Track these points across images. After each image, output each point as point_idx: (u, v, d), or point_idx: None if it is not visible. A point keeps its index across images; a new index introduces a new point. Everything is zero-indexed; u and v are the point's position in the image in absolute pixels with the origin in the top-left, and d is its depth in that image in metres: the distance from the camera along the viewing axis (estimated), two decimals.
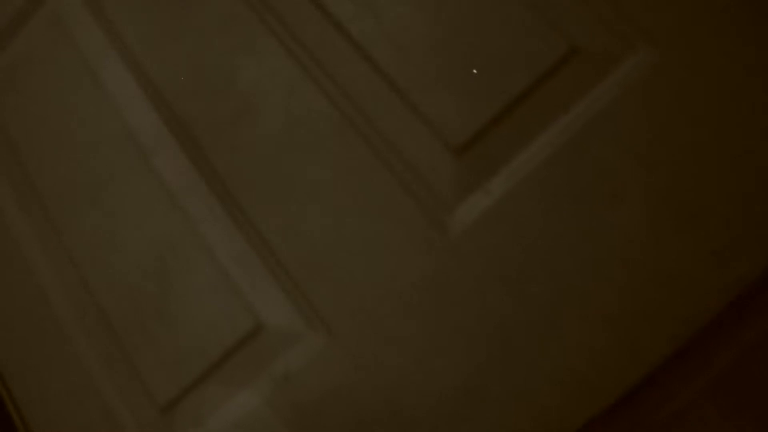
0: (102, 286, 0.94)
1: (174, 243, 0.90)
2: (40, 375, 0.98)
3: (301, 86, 0.87)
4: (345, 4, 0.86)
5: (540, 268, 0.75)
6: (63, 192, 1.00)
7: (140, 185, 0.94)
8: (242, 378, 0.85)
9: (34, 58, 1.08)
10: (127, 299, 0.92)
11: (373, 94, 0.83)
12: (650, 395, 0.74)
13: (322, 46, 0.87)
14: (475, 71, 0.79)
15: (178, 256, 0.90)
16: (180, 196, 0.91)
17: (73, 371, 0.95)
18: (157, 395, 0.88)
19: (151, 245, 0.92)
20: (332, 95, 0.85)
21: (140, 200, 0.94)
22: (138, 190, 0.94)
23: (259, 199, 0.87)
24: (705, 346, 0.73)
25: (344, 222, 0.82)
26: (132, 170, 0.95)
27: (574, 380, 0.72)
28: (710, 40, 0.73)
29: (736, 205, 0.70)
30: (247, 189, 0.88)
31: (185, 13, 0.96)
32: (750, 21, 0.72)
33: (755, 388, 0.71)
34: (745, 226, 0.69)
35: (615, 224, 0.73)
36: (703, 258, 0.70)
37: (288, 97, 0.87)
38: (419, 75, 0.81)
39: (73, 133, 1.01)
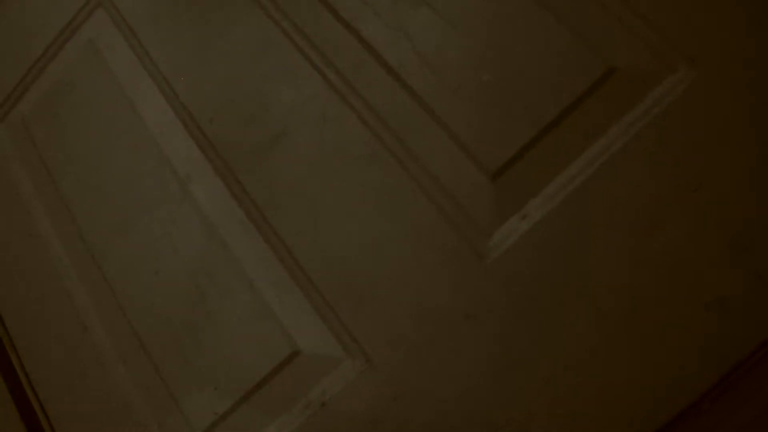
0: (139, 313, 0.95)
1: (211, 269, 0.90)
2: (79, 399, 0.98)
3: (335, 111, 0.87)
4: (379, 29, 0.86)
5: (577, 293, 0.73)
6: (99, 218, 1.01)
7: (176, 212, 0.95)
8: (279, 404, 0.85)
9: (70, 84, 1.09)
10: (164, 325, 0.92)
11: (409, 119, 0.83)
12: None
13: (357, 71, 0.86)
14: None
15: (215, 282, 0.90)
16: (216, 222, 0.92)
17: (110, 396, 0.96)
18: (194, 421, 0.88)
19: (188, 271, 0.92)
20: (367, 120, 0.85)
21: (177, 227, 0.94)
22: (174, 217, 0.95)
23: (295, 225, 0.87)
24: None
25: (381, 248, 0.82)
26: (168, 197, 0.96)
27: (620, 404, 0.71)
28: (749, 59, 0.71)
29: None
30: (283, 215, 0.88)
31: (219, 39, 0.96)
32: None
33: None
34: None
35: (656, 249, 0.71)
36: (751, 286, 0.68)
37: (323, 122, 0.87)
38: (455, 99, 0.81)
39: (109, 158, 1.02)
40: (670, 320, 0.70)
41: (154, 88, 1.01)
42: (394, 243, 0.81)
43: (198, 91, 0.97)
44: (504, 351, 0.76)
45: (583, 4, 0.78)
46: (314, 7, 0.91)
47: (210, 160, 0.94)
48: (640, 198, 0.73)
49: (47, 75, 1.13)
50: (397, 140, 0.83)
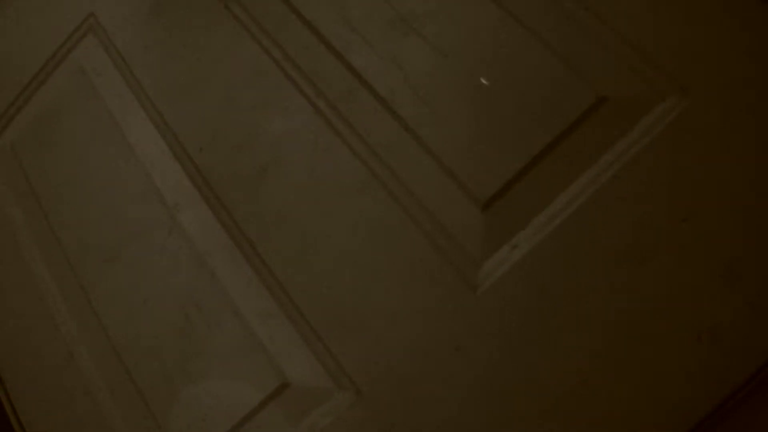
0: (126, 343, 0.94)
1: (199, 299, 0.90)
2: (65, 429, 0.97)
3: (326, 141, 0.86)
4: (370, 59, 0.86)
5: (569, 324, 0.73)
6: (87, 245, 1.01)
7: (164, 240, 0.94)
8: None
9: (59, 110, 1.09)
10: (152, 355, 0.91)
11: (399, 149, 0.83)
12: None
13: (348, 100, 0.86)
14: (484, 81, 0.78)
15: (204, 312, 0.89)
16: (205, 252, 0.91)
17: (97, 426, 0.95)
18: None
19: (176, 302, 0.91)
20: (357, 150, 0.85)
21: (165, 256, 0.94)
22: (162, 246, 0.94)
23: (284, 255, 0.86)
24: None
25: (371, 279, 0.81)
26: (156, 225, 0.95)
27: None
28: (740, 87, 0.72)
29: None
30: (273, 245, 0.87)
31: (210, 67, 0.96)
32: None
33: None
34: None
35: (647, 279, 0.71)
36: (743, 315, 0.67)
37: (313, 151, 0.87)
38: (445, 129, 0.81)
39: (98, 186, 1.02)
40: (662, 351, 0.70)
41: (143, 116, 1.00)
42: (384, 273, 0.81)
43: (188, 119, 0.97)
44: (495, 383, 0.75)
45: (573, 32, 0.78)
46: (305, 36, 0.91)
47: (199, 189, 0.94)
48: (631, 227, 0.72)
49: (36, 101, 1.13)
50: (388, 170, 0.83)
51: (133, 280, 0.95)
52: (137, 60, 1.03)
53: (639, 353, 0.70)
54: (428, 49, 0.83)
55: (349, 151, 0.85)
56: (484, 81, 0.80)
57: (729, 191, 0.70)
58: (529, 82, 0.78)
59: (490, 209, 0.78)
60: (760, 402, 0.69)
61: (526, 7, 0.80)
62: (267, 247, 0.87)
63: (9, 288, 1.07)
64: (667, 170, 0.72)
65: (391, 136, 0.83)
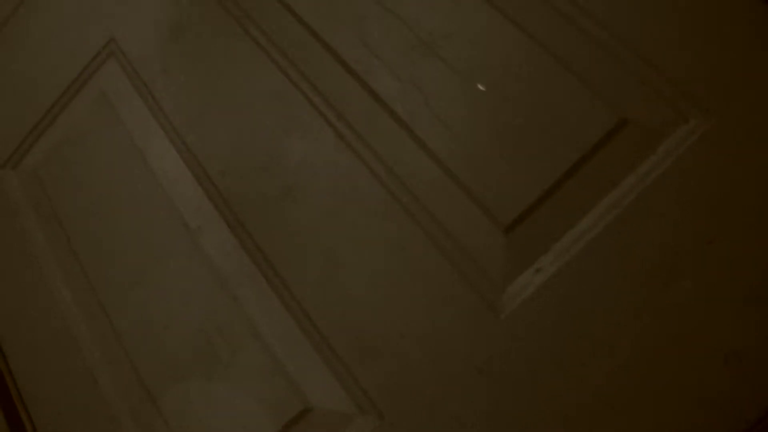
0: (148, 366, 0.94)
1: (221, 323, 0.90)
2: None
3: (346, 164, 0.87)
4: (390, 82, 0.86)
5: (593, 347, 0.72)
6: (110, 270, 1.01)
7: (186, 264, 0.94)
8: None
9: (81, 134, 1.10)
10: (173, 380, 0.91)
11: (421, 172, 0.83)
12: None
13: (368, 124, 0.87)
14: (481, 87, 0.78)
15: (226, 336, 0.89)
16: (226, 276, 0.91)
17: None
18: None
19: (198, 325, 0.91)
20: (378, 173, 0.85)
21: (187, 280, 0.94)
22: (184, 270, 0.94)
23: (306, 279, 0.86)
24: None
25: (393, 302, 0.81)
26: (178, 249, 0.95)
27: None
28: (763, 108, 0.71)
29: None
30: (294, 268, 0.87)
31: (230, 91, 0.97)
32: None
33: None
34: None
35: (671, 302, 0.70)
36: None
37: (334, 175, 0.87)
38: (467, 152, 0.81)
39: (120, 210, 1.02)
40: (688, 374, 0.69)
41: (165, 140, 1.01)
42: (406, 297, 0.81)
43: (209, 144, 0.97)
44: (518, 406, 0.74)
45: (594, 54, 0.78)
46: (325, 59, 0.91)
47: (221, 213, 0.94)
48: (655, 250, 0.72)
49: (58, 125, 1.14)
50: (409, 193, 0.83)
51: (155, 303, 0.95)
52: (158, 84, 1.04)
53: (664, 376, 0.70)
54: (448, 72, 0.83)
55: (370, 174, 0.85)
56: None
57: (754, 213, 0.69)
58: (550, 105, 0.78)
59: (513, 233, 0.77)
60: None
61: (547, 29, 0.80)
62: (288, 271, 0.87)
63: (32, 312, 1.07)
64: (690, 192, 0.72)
65: (412, 160, 0.83)
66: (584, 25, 0.79)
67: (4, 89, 1.23)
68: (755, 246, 0.69)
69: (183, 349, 0.92)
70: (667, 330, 0.70)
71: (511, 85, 0.80)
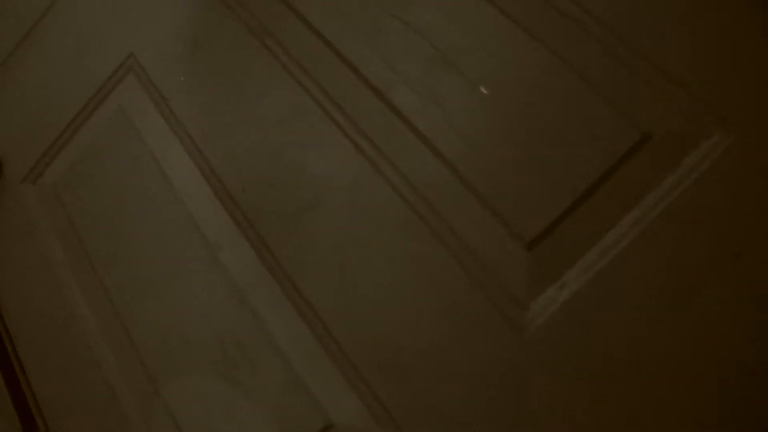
0: (167, 381, 0.94)
1: (240, 338, 0.90)
2: None
3: (367, 180, 0.86)
4: (411, 97, 0.86)
5: (619, 364, 0.71)
6: (129, 284, 1.01)
7: (205, 278, 0.94)
8: None
9: (100, 149, 1.11)
10: (192, 395, 0.91)
11: (441, 187, 0.82)
12: None
13: (389, 139, 0.87)
14: (484, 90, 0.78)
15: (245, 352, 0.89)
16: (246, 291, 0.91)
17: None
18: None
19: (218, 340, 0.91)
20: (399, 188, 0.84)
21: (206, 294, 0.94)
22: (203, 284, 0.94)
23: (326, 294, 0.86)
24: None
25: (414, 318, 0.81)
26: (197, 263, 0.95)
27: None
28: None
29: None
30: (315, 284, 0.87)
31: (250, 106, 0.97)
32: None
33: None
34: None
35: (696, 318, 0.69)
36: None
37: (354, 189, 0.87)
38: (488, 167, 0.80)
39: (139, 225, 1.03)
40: (713, 390, 0.68)
41: (184, 155, 1.01)
42: (428, 313, 0.80)
43: (228, 158, 0.97)
44: (543, 424, 0.74)
45: (616, 69, 0.78)
46: (344, 74, 0.91)
47: (240, 228, 0.94)
48: (680, 265, 0.71)
49: (78, 140, 1.14)
50: (430, 209, 0.82)
51: (174, 317, 0.95)
52: (176, 99, 1.04)
53: (691, 394, 0.69)
54: (468, 87, 0.83)
55: (391, 190, 0.85)
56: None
57: None
58: (572, 119, 0.78)
59: (536, 248, 0.77)
60: None
61: (568, 44, 0.80)
62: (309, 286, 0.87)
63: (50, 324, 1.08)
64: (715, 207, 0.71)
65: (433, 174, 0.83)
66: (605, 39, 0.79)
67: (23, 105, 1.24)
68: None
69: (202, 363, 0.92)
70: (694, 346, 0.69)
71: (532, 99, 0.80)
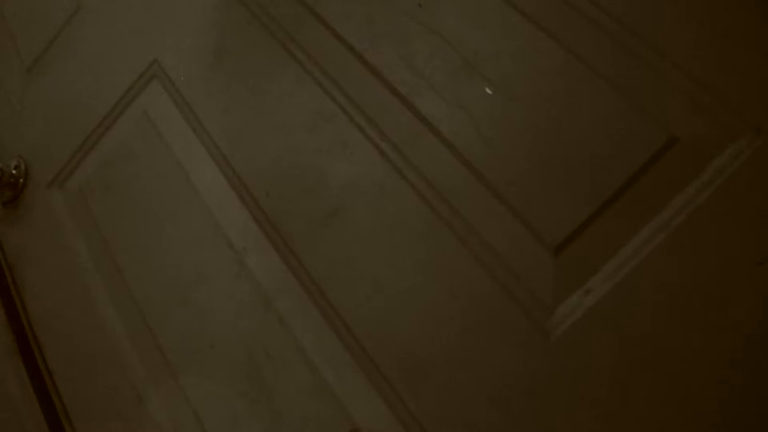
0: (195, 387, 0.94)
1: (267, 344, 0.90)
2: None
3: (392, 185, 0.87)
4: (436, 103, 0.86)
5: (646, 370, 0.71)
6: (155, 288, 1.02)
7: (232, 284, 0.95)
8: None
9: (125, 155, 1.12)
10: (220, 400, 0.92)
11: (467, 193, 0.82)
12: None
13: (413, 145, 0.87)
14: (488, 90, 0.78)
15: (271, 357, 0.89)
16: (273, 296, 0.92)
17: None
18: None
19: (244, 346, 0.92)
20: (424, 194, 0.84)
21: (232, 300, 0.94)
22: (230, 290, 0.95)
23: (352, 300, 0.86)
24: None
25: (440, 324, 0.81)
26: (224, 269, 0.96)
27: None
28: None
29: None
30: (340, 289, 0.87)
31: (274, 111, 0.97)
32: None
33: None
34: None
35: (723, 325, 0.69)
36: None
37: (379, 196, 0.87)
38: (514, 173, 0.80)
39: (165, 230, 1.03)
40: (741, 398, 0.68)
41: (209, 161, 1.02)
42: (454, 319, 0.80)
43: (254, 164, 0.98)
44: (569, 429, 0.73)
45: (641, 73, 0.78)
46: (369, 80, 0.92)
47: (266, 234, 0.95)
48: (705, 271, 0.71)
49: (103, 145, 1.16)
50: (455, 214, 0.83)
51: (201, 323, 0.96)
52: (201, 105, 1.05)
53: (717, 400, 0.68)
54: (495, 94, 0.83)
55: (416, 196, 0.85)
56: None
57: None
58: (598, 124, 0.78)
59: (562, 254, 0.77)
60: None
61: (593, 49, 0.80)
62: (335, 292, 0.88)
63: (77, 329, 1.09)
64: (742, 212, 0.71)
65: (458, 180, 0.83)
66: (631, 43, 0.79)
67: (50, 110, 1.25)
68: None
69: (228, 367, 0.92)
70: (719, 353, 0.69)
71: (558, 104, 0.80)
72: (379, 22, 0.94)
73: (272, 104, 0.98)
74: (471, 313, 0.79)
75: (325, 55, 0.96)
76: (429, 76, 0.87)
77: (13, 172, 1.24)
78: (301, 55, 0.98)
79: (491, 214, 0.80)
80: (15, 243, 1.23)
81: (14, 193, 1.24)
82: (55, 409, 1.07)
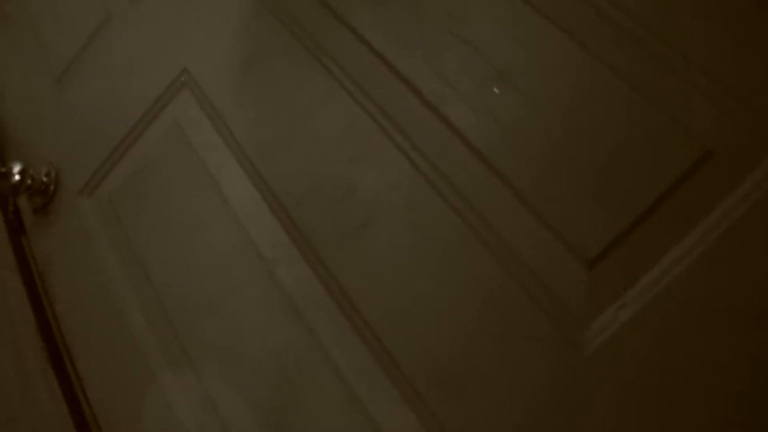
0: (224, 398, 0.94)
1: (297, 355, 0.90)
2: None
3: (422, 196, 0.86)
4: (466, 113, 0.86)
5: (683, 387, 0.70)
6: (185, 299, 1.02)
7: (262, 295, 0.95)
8: None
9: (155, 163, 1.12)
10: (249, 412, 0.92)
11: (498, 204, 0.82)
12: None
13: (444, 155, 0.86)
14: (496, 90, 0.77)
15: (302, 368, 0.89)
16: (303, 307, 0.91)
17: None
18: None
19: (274, 357, 0.92)
20: (455, 205, 0.84)
21: (262, 310, 0.94)
22: (259, 300, 0.95)
23: (383, 312, 0.86)
24: None
25: (472, 337, 0.80)
26: (254, 279, 0.96)
27: None
28: None
29: None
30: (371, 301, 0.87)
31: (304, 121, 0.97)
32: None
33: None
34: None
35: (759, 341, 0.68)
36: None
37: (409, 206, 0.87)
38: (546, 184, 0.79)
39: (195, 240, 1.04)
40: None
41: (239, 170, 1.02)
42: (486, 332, 0.80)
43: (284, 174, 0.98)
44: None
45: (676, 85, 0.77)
46: (399, 90, 0.91)
47: (297, 244, 0.94)
48: (744, 286, 0.70)
49: (133, 153, 1.16)
50: (486, 226, 0.82)
51: (230, 333, 0.96)
52: (231, 114, 1.05)
53: (756, 417, 0.67)
54: (526, 104, 0.82)
55: (447, 207, 0.84)
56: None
57: None
58: (632, 136, 0.77)
59: (596, 267, 0.76)
60: None
61: (627, 61, 0.79)
62: (366, 304, 0.87)
63: (106, 337, 1.09)
64: None
65: (490, 191, 0.82)
66: (665, 55, 0.78)
67: (80, 118, 1.26)
68: None
69: (258, 379, 0.93)
70: (758, 368, 0.67)
71: (591, 115, 0.79)
72: (408, 31, 0.93)
73: (302, 113, 0.98)
74: (502, 327, 0.78)
75: (355, 65, 0.96)
76: (459, 85, 0.87)
77: (44, 179, 1.25)
78: (331, 63, 0.98)
79: (524, 227, 0.80)
80: (45, 250, 1.24)
81: (44, 200, 1.25)
82: (84, 417, 1.08)
